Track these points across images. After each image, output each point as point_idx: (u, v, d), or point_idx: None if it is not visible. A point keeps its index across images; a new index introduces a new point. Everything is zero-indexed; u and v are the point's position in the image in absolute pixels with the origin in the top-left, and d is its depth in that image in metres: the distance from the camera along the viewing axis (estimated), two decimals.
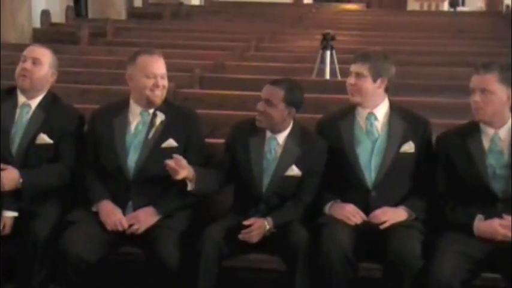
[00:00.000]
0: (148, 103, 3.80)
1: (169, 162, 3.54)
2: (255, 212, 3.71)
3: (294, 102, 3.75)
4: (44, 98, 3.95)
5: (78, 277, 3.52)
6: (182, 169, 3.56)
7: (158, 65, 3.81)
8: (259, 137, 3.79)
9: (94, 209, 3.73)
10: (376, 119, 3.74)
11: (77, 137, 3.92)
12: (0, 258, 3.76)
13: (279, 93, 3.73)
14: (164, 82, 3.81)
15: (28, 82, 3.90)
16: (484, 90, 3.52)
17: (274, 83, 3.79)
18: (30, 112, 3.91)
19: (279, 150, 3.76)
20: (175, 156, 3.57)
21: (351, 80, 3.73)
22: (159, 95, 3.80)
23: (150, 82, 3.76)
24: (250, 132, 3.80)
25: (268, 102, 3.72)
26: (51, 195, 3.81)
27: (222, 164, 3.82)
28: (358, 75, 3.70)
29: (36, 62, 3.93)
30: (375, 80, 3.70)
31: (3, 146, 3.83)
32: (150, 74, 3.76)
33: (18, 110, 3.91)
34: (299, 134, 3.80)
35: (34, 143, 3.86)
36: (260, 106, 3.74)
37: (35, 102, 3.93)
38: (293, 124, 3.80)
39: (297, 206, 3.73)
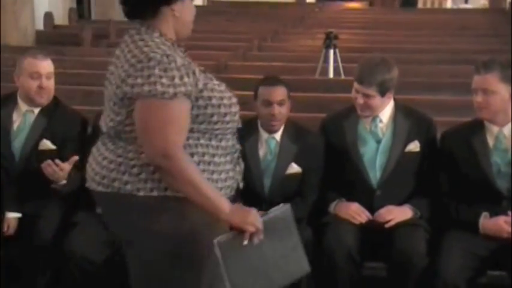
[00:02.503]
0: None
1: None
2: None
3: (289, 96, 3.75)
4: (47, 103, 3.96)
5: (83, 278, 3.53)
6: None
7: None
8: (254, 137, 3.75)
9: (98, 210, 3.73)
10: (381, 121, 3.72)
11: (81, 141, 3.92)
12: (4, 260, 3.77)
13: (285, 90, 3.72)
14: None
15: (46, 98, 3.94)
16: (485, 91, 3.49)
17: (276, 82, 3.75)
18: (33, 118, 3.92)
19: (277, 149, 3.75)
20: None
21: (359, 99, 3.64)
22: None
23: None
24: (245, 133, 3.75)
25: (282, 102, 3.69)
26: (54, 197, 3.81)
27: None
28: (366, 95, 3.63)
29: (49, 76, 3.95)
30: (383, 95, 3.65)
31: (5, 151, 3.84)
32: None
33: (21, 117, 3.92)
34: (293, 131, 3.77)
35: (37, 148, 3.86)
36: (277, 110, 3.67)
37: (37, 108, 3.94)
38: (286, 121, 3.78)
39: (302, 205, 3.72)
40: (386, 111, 3.72)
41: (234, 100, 2.62)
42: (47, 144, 3.87)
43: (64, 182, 3.73)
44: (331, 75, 6.67)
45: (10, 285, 3.84)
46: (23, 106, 3.93)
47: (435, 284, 3.35)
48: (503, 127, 3.57)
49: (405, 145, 3.70)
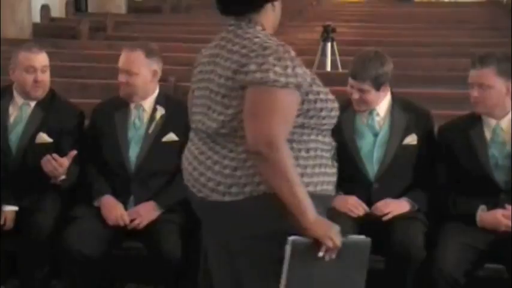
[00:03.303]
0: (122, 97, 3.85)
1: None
2: None
3: None
4: (43, 97, 3.95)
5: (81, 272, 3.53)
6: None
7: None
8: None
9: (96, 204, 3.73)
10: (377, 114, 3.72)
11: (78, 134, 3.92)
12: (2, 254, 3.76)
13: None
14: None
15: (42, 91, 3.92)
16: (482, 85, 3.48)
17: None
18: (29, 111, 3.91)
19: None
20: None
21: (354, 94, 3.65)
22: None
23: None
24: None
25: None
26: (51, 191, 3.80)
27: None
28: (361, 90, 3.64)
29: (44, 69, 3.93)
30: (378, 89, 3.66)
31: (2, 145, 3.83)
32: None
33: (17, 110, 3.91)
34: None
35: (34, 142, 3.85)
36: None
37: (34, 101, 3.93)
38: None
39: None
40: (383, 105, 3.72)
41: (332, 97, 2.61)
42: (43, 137, 3.86)
43: (63, 177, 3.73)
44: (328, 68, 6.66)
45: (8, 279, 3.84)
46: (19, 99, 3.92)
47: (433, 277, 3.35)
48: (501, 120, 3.57)
49: (403, 138, 3.70)
